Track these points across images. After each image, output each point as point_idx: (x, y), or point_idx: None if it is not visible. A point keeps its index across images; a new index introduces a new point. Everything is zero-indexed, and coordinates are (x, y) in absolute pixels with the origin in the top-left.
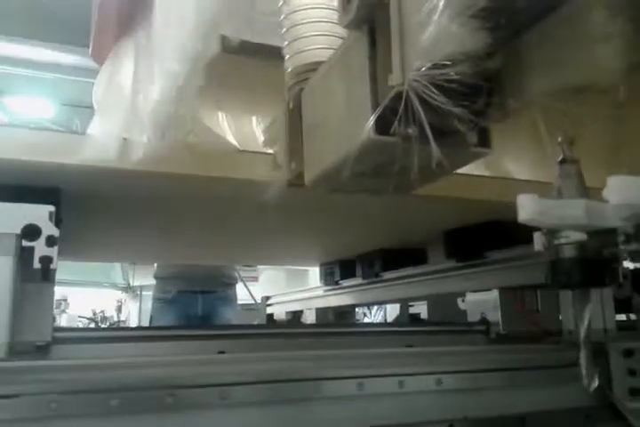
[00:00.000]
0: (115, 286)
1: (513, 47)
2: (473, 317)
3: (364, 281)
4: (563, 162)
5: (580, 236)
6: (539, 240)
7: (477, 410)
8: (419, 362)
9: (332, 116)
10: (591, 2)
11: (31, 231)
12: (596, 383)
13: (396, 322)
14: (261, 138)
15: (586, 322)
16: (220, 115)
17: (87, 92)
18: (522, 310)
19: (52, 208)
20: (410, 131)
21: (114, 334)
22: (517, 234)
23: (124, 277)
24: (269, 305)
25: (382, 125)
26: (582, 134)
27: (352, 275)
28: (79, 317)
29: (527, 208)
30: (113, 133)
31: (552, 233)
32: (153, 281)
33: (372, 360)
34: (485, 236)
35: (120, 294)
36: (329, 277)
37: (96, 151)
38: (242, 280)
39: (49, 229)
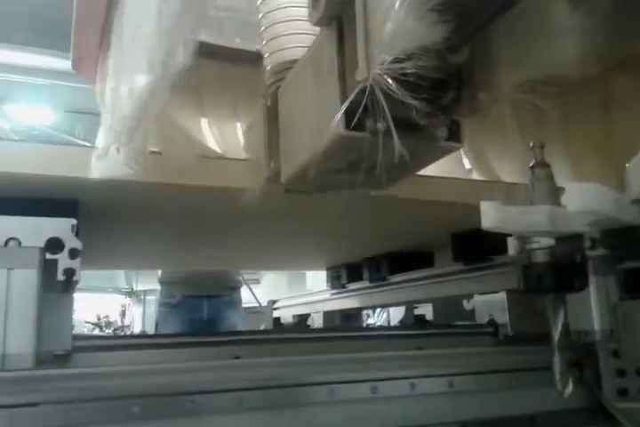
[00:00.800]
0: (118, 290)
1: (479, 41)
2: (481, 317)
3: (371, 284)
4: (534, 166)
5: (549, 241)
6: (512, 245)
7: (488, 411)
8: (430, 364)
9: (305, 113)
10: None
11: (55, 244)
12: (570, 389)
13: (405, 325)
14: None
15: (559, 327)
16: (204, 121)
17: (87, 98)
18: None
19: (74, 221)
20: (379, 125)
21: (131, 341)
22: None
23: (127, 282)
24: (276, 309)
25: (351, 121)
26: (575, 134)
27: (359, 278)
28: (86, 322)
29: (490, 216)
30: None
31: (524, 238)
32: (156, 286)
33: (385, 363)
34: (491, 239)
35: (124, 299)
36: (336, 281)
37: (100, 165)
38: (246, 284)
39: (72, 241)
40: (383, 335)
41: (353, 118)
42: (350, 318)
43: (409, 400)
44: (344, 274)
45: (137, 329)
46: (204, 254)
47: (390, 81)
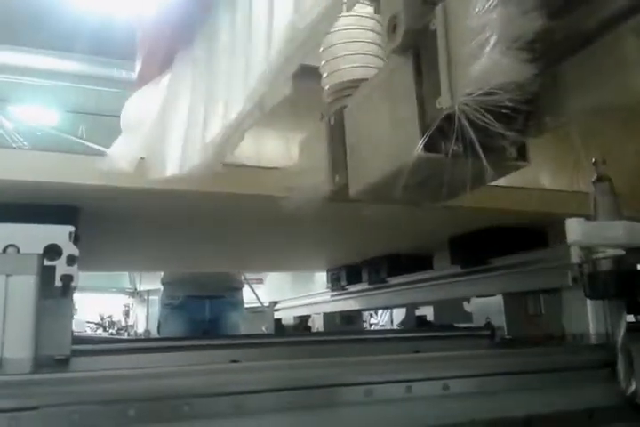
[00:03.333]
0: (122, 290)
1: (551, 71)
2: (478, 320)
3: (371, 286)
4: (597, 180)
5: (616, 251)
6: (576, 254)
7: (484, 414)
8: (425, 368)
9: (377, 133)
10: (625, 31)
11: (52, 251)
12: (633, 386)
13: (403, 327)
14: (274, 153)
15: (622, 330)
16: None
17: (90, 99)
18: (525, 315)
19: (71, 228)
20: (455, 148)
21: (130, 345)
22: (520, 240)
23: (131, 283)
24: (277, 310)
25: (429, 143)
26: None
27: (358, 280)
28: (87, 322)
29: (575, 231)
30: (134, 152)
31: (589, 248)
32: (160, 286)
33: (380, 366)
34: (489, 242)
35: (127, 299)
36: (336, 283)
37: (114, 168)
38: (249, 284)
39: (69, 248)
40: (381, 339)
41: (429, 141)
42: (350, 319)
43: (404, 404)
44: (344, 276)
45: (140, 329)
46: (205, 257)
47: (479, 110)
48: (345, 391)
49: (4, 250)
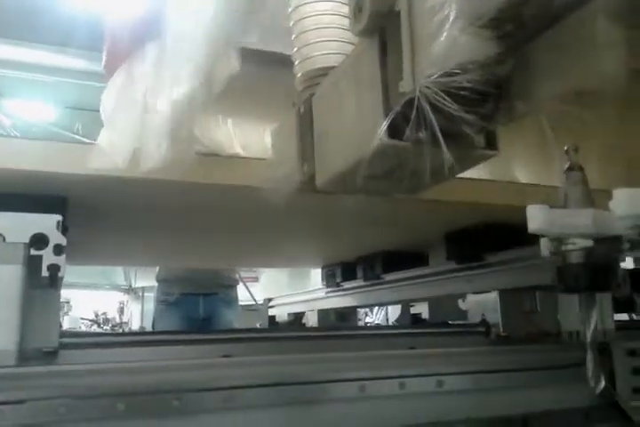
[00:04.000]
0: (117, 287)
1: (520, 54)
2: (474, 317)
3: (366, 283)
4: (569, 169)
5: (586, 242)
6: (545, 246)
7: (479, 411)
8: (419, 364)
9: (344, 121)
10: (594, 11)
11: (39, 240)
12: (602, 385)
13: (398, 324)
14: (264, 144)
15: (592, 325)
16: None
17: (88, 94)
18: (521, 312)
19: (59, 217)
20: (420, 135)
21: (119, 339)
22: (516, 237)
23: (125, 279)
24: (271, 307)
25: (393, 130)
26: (589, 136)
27: (353, 277)
28: (81, 319)
29: (537, 219)
30: (120, 144)
31: (559, 239)
32: (155, 282)
33: (374, 362)
34: (485, 238)
35: (122, 296)
36: (330, 279)
37: (103, 161)
38: (243, 282)
39: (57, 237)
40: (375, 335)
41: (395, 128)
42: (345, 316)
43: (397, 400)
44: (339, 272)
45: (135, 326)
46: (199, 252)
47: (440, 93)
48: (338, 387)
49: None
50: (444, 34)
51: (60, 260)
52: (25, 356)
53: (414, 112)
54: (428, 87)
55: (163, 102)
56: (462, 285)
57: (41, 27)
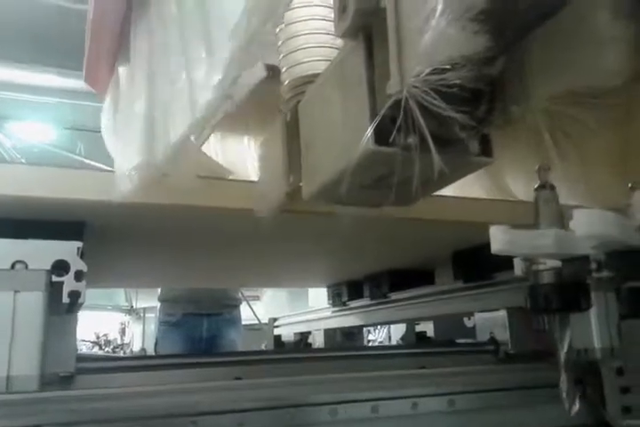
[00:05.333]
0: (118, 308)
1: (515, 51)
2: (482, 335)
3: (372, 302)
4: (540, 188)
5: (556, 263)
6: (518, 265)
7: None
8: (431, 383)
9: (330, 128)
10: (595, 4)
11: (60, 267)
12: (577, 407)
13: (406, 343)
14: (249, 159)
15: (566, 346)
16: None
17: (88, 115)
18: (530, 330)
19: (79, 244)
20: (410, 140)
21: (134, 363)
22: None
23: (127, 300)
24: (277, 327)
25: (381, 135)
26: (589, 141)
27: (360, 296)
28: (82, 340)
29: (498, 239)
30: (125, 168)
31: (531, 259)
32: (156, 303)
33: (386, 382)
34: (492, 257)
35: (123, 317)
36: (337, 298)
37: (117, 187)
38: (246, 301)
39: (77, 264)
40: (384, 355)
41: (383, 133)
42: (351, 335)
43: (410, 420)
44: (345, 291)
45: (137, 347)
46: (204, 273)
47: (430, 93)
48: (351, 408)
49: (12, 266)
50: (431, 28)
51: (81, 286)
52: (44, 381)
53: (402, 115)
54: (417, 86)
55: (175, 118)
56: (470, 303)
57: (42, 48)
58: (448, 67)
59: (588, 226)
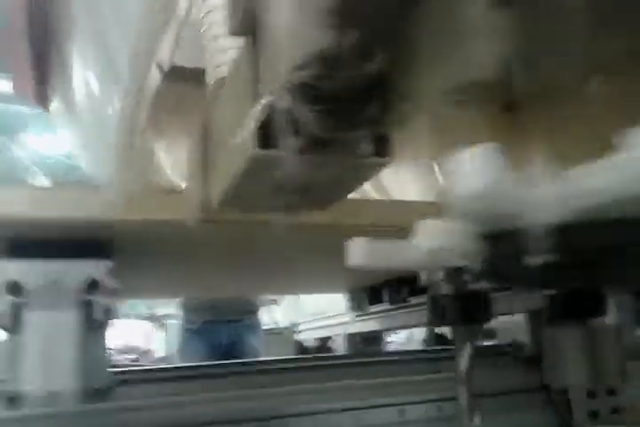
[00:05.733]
0: (139, 316)
1: (400, 47)
2: (502, 338)
3: (392, 306)
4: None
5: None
6: (423, 276)
7: None
8: (453, 387)
9: (228, 130)
10: None
11: (93, 285)
12: (478, 421)
13: (426, 348)
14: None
15: (466, 358)
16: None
17: None
18: None
19: (110, 263)
20: (291, 142)
21: (168, 374)
22: None
23: (148, 307)
24: (297, 332)
25: (266, 138)
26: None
27: (379, 300)
28: (108, 349)
29: (355, 253)
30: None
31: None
32: (176, 310)
33: (411, 387)
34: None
35: (145, 324)
36: (356, 304)
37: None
38: (266, 306)
39: (108, 282)
40: (409, 360)
41: (268, 136)
42: (372, 340)
43: (437, 423)
44: (365, 296)
45: (160, 353)
46: (226, 282)
47: (308, 93)
48: (378, 413)
49: (48, 285)
50: (285, 27)
51: (112, 303)
52: (81, 395)
53: (281, 117)
54: (287, 87)
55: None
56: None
57: None
58: (321, 67)
59: (430, 238)
